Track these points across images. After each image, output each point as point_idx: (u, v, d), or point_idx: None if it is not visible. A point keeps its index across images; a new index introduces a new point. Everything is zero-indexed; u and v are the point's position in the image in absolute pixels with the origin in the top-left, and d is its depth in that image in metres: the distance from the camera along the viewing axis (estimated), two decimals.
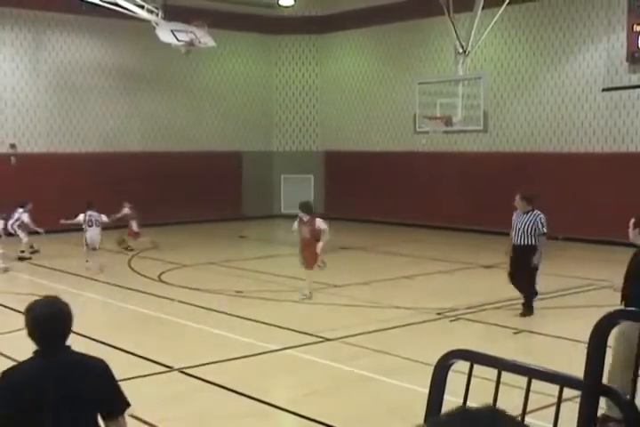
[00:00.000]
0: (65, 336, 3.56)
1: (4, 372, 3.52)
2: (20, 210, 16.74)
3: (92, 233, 15.13)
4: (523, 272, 10.92)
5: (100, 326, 10.22)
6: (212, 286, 13.41)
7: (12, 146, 21.07)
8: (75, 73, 22.28)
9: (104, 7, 18.92)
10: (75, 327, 3.65)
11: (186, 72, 24.25)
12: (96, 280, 14.13)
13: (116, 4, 18.84)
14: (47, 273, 14.94)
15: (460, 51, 18.31)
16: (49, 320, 3.51)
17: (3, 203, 16.90)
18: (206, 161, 24.26)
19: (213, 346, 9.49)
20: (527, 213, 10.97)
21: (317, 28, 25.73)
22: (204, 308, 11.56)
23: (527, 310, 11.00)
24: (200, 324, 10.58)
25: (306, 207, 12.38)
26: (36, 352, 3.53)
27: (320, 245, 12.12)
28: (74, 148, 22.26)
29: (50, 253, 16.98)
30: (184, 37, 19.50)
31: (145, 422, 6.56)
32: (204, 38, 19.99)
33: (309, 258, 12.26)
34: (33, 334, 3.53)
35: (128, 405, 3.62)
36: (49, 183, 20.84)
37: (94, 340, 9.08)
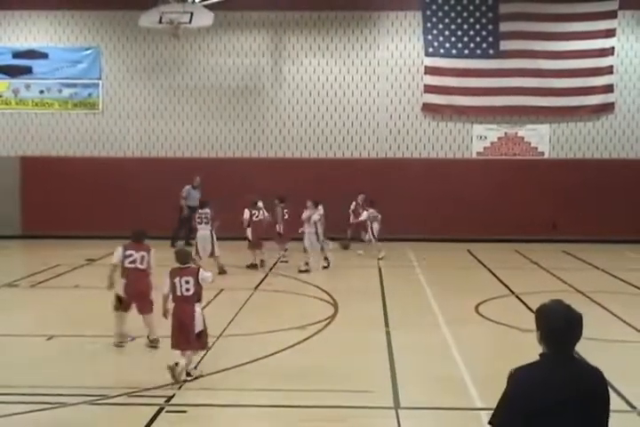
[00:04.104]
0: (576, 343, 3.52)
1: (515, 371, 3.52)
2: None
3: None
4: None
5: None
6: None
7: None
8: None
9: None
10: None
11: None
12: None
13: None
14: None
15: None
16: (568, 325, 3.49)
17: None
18: None
19: None
20: None
21: None
22: None
23: None
24: None
25: None
26: (545, 355, 3.52)
27: None
28: None
29: None
30: None
31: None
32: None
33: None
34: (548, 338, 3.51)
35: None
36: None
37: None
